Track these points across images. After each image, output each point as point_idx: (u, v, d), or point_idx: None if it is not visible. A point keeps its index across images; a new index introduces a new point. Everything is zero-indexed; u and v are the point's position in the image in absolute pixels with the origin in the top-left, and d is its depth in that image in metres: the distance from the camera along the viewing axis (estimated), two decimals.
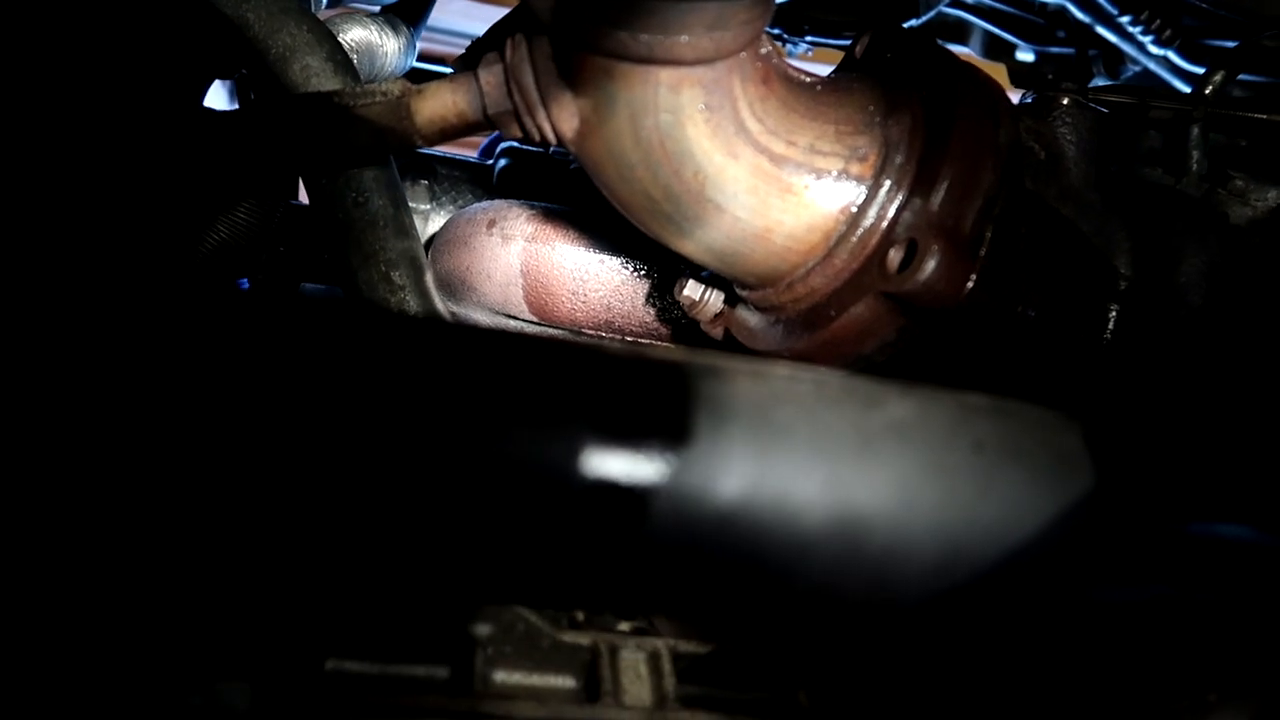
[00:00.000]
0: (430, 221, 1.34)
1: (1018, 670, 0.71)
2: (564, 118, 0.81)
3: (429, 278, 1.03)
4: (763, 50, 0.82)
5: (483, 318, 1.18)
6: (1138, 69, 1.51)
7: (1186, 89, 1.44)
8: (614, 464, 0.49)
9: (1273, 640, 0.59)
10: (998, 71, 1.81)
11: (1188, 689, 0.71)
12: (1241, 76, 1.14)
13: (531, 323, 1.17)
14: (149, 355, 0.49)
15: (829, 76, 0.91)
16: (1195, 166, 0.99)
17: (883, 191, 0.83)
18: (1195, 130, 1.00)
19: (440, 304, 1.04)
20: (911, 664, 0.77)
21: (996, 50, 1.74)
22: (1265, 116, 1.01)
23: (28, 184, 0.92)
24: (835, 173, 0.83)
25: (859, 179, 0.83)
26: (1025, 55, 1.70)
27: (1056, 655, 0.59)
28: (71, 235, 0.92)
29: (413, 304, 1.01)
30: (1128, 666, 0.58)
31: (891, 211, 0.82)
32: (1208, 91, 1.02)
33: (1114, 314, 0.89)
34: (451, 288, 1.16)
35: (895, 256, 0.80)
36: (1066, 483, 0.51)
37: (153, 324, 0.49)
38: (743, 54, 0.79)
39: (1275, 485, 0.61)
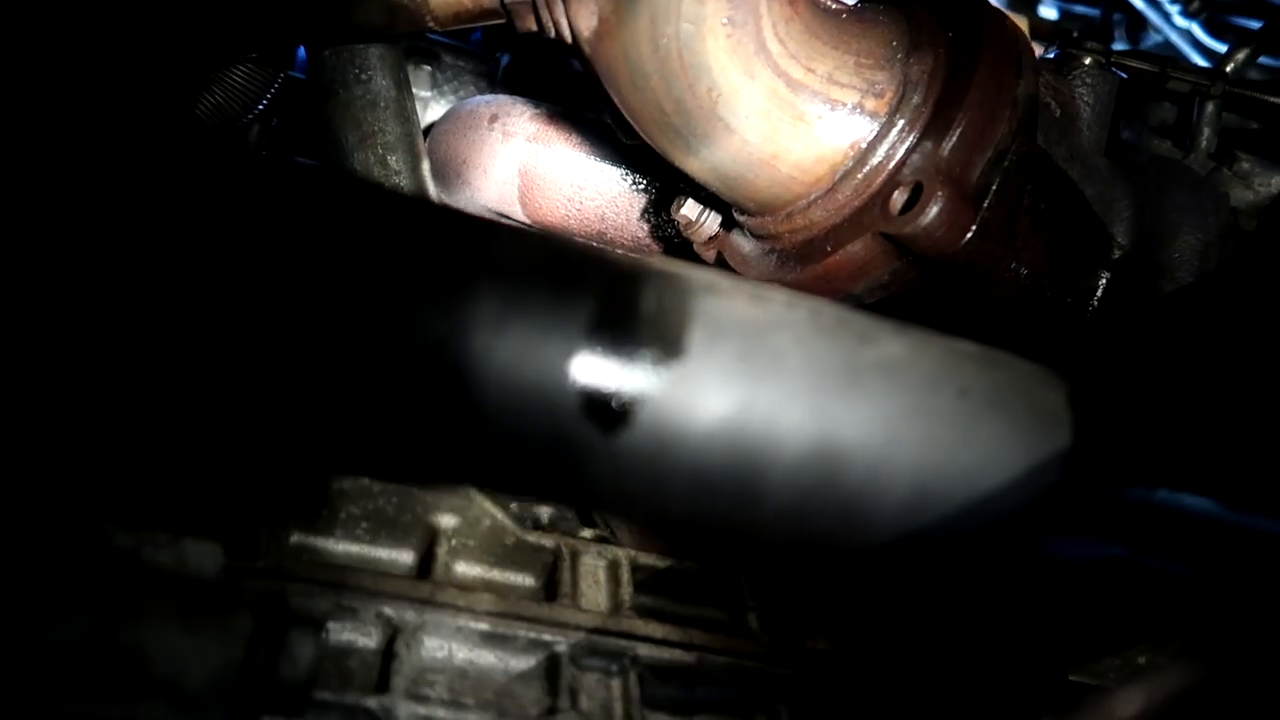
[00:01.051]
0: (430, 109, 1.31)
1: (961, 612, 0.73)
2: (583, 15, 0.79)
3: (425, 166, 1.02)
4: None
5: (474, 211, 1.17)
6: (1159, 38, 1.49)
7: (1205, 63, 1.43)
8: (603, 368, 0.49)
9: (1212, 611, 0.61)
10: (1019, 23, 1.78)
11: (1119, 648, 0.74)
12: (1262, 60, 1.13)
13: (523, 224, 1.16)
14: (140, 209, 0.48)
15: (856, 4, 0.89)
16: (1204, 144, 0.99)
17: (895, 131, 0.82)
18: (1210, 107, 1.00)
19: (435, 193, 1.03)
20: (864, 599, 0.79)
21: (1020, 1, 1.71)
22: None
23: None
24: (850, 106, 0.82)
25: (873, 115, 0.82)
26: (1048, 11, 1.68)
27: (1001, 601, 0.60)
28: (62, 73, 0.89)
29: (407, 191, 1.00)
30: (1068, 620, 0.60)
31: (901, 152, 0.82)
32: (1228, 69, 1.01)
33: (1104, 281, 0.89)
34: (446, 179, 1.15)
35: (899, 198, 0.80)
36: (1044, 439, 0.52)
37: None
38: None
39: (1246, 458, 0.62)
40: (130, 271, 0.43)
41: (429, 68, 1.33)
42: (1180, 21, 1.37)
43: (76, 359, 0.46)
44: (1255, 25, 1.40)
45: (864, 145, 0.82)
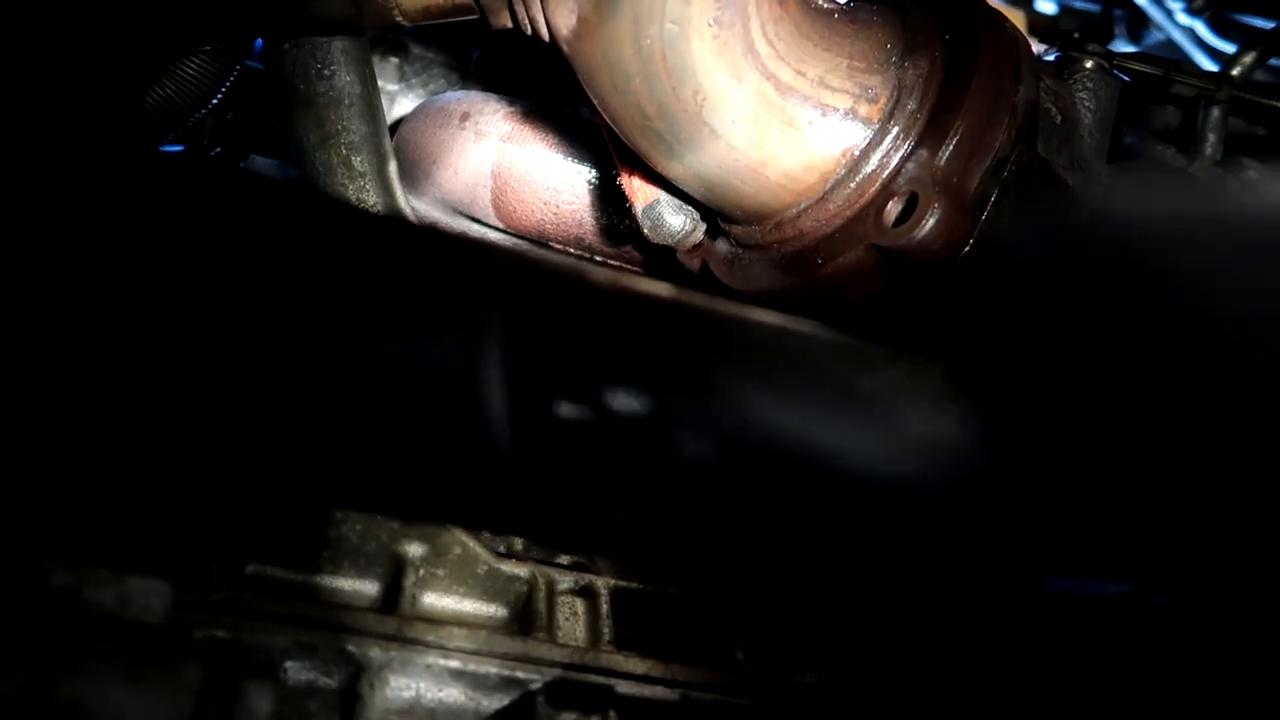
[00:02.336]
0: (397, 104, 1.30)
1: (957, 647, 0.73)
2: (561, 13, 0.79)
3: (393, 168, 1.01)
4: None
5: (443, 215, 1.16)
6: (1161, 37, 1.50)
7: (1209, 64, 1.44)
8: (587, 400, 0.48)
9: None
10: (1015, 19, 1.79)
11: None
12: (1273, 61, 1.14)
13: (495, 228, 1.15)
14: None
15: (849, 4, 0.89)
16: (1209, 150, 0.99)
17: (889, 138, 0.81)
18: (1216, 112, 1.00)
19: (403, 198, 1.02)
20: (855, 630, 0.79)
21: None
22: None
23: None
24: (842, 111, 0.81)
25: (866, 121, 0.82)
26: (1046, 6, 1.68)
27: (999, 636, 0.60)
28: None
29: (372, 194, 0.99)
30: (1079, 656, 0.60)
31: (895, 160, 0.81)
32: (1235, 73, 1.02)
33: None
34: (414, 179, 1.13)
35: (894, 209, 0.80)
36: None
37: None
38: None
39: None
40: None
41: (396, 59, 1.32)
42: (1183, 19, 1.38)
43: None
44: (1261, 23, 1.42)
45: (857, 153, 0.82)
